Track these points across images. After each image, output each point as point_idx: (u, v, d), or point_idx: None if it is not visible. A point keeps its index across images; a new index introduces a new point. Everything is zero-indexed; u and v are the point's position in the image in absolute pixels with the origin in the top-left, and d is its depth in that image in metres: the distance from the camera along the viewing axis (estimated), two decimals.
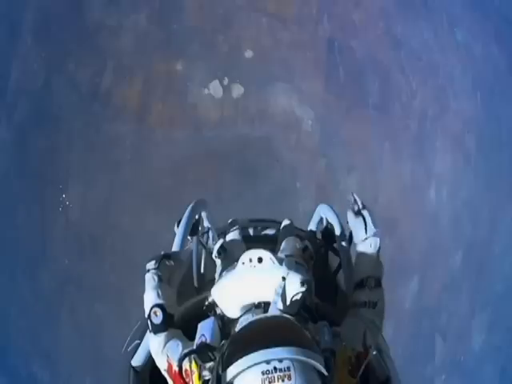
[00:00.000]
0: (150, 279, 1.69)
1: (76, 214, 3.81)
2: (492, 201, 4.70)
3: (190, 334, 1.48)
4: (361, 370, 1.46)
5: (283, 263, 1.64)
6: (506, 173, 4.77)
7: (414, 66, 4.72)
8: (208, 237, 2.40)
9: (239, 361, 1.20)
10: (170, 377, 1.51)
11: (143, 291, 1.68)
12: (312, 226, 2.40)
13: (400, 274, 4.28)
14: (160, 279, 1.69)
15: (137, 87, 4.05)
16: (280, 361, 1.18)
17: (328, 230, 2.14)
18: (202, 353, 1.40)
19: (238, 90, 4.18)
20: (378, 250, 1.86)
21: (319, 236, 2.25)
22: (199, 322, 1.55)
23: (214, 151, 4.04)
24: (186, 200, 2.12)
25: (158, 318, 1.60)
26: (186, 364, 1.43)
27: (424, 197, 4.55)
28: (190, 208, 2.04)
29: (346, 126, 4.39)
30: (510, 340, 4.53)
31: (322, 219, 2.28)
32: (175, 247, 1.89)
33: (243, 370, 1.19)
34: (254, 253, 1.70)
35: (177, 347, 1.54)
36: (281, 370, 1.17)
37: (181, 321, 1.73)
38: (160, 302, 1.63)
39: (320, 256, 2.13)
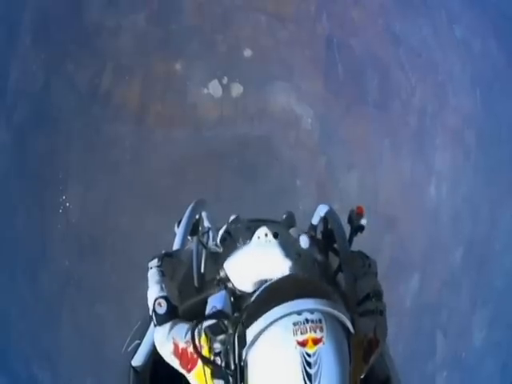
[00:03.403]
0: (153, 275, 1.69)
1: (76, 215, 3.81)
2: (492, 197, 4.71)
3: None
4: (373, 357, 1.44)
5: (299, 238, 1.64)
6: (505, 169, 4.78)
7: (413, 62, 4.72)
8: (208, 237, 2.40)
9: (266, 314, 1.17)
10: (177, 357, 1.47)
11: (144, 291, 1.68)
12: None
13: (400, 271, 4.29)
14: (163, 274, 1.69)
15: (136, 87, 4.05)
16: (311, 312, 1.16)
17: (328, 231, 2.14)
18: (215, 320, 1.35)
19: (237, 89, 4.18)
20: (376, 274, 1.83)
21: (319, 236, 2.26)
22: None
23: (214, 150, 4.04)
24: (186, 200, 2.12)
25: (162, 308, 1.58)
26: (195, 338, 1.39)
27: (424, 193, 4.56)
28: (190, 208, 2.05)
29: (345, 124, 4.39)
30: (510, 336, 4.54)
31: (322, 219, 2.29)
32: (176, 247, 1.89)
33: (271, 323, 1.16)
34: (271, 227, 1.70)
35: (183, 328, 1.50)
36: (313, 322, 1.14)
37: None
38: (164, 294, 1.62)
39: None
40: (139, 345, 1.79)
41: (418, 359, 4.24)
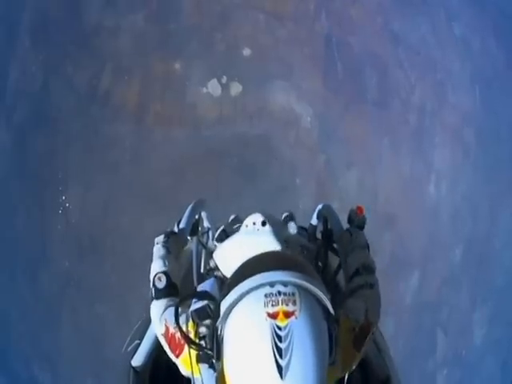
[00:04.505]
0: (159, 250, 1.71)
1: (76, 216, 3.82)
2: (492, 195, 4.71)
3: None
4: (365, 344, 1.41)
5: (286, 226, 1.63)
6: (505, 167, 4.78)
7: (413, 61, 4.72)
8: (208, 237, 2.41)
9: (240, 284, 1.15)
10: (166, 341, 1.47)
11: (144, 292, 1.69)
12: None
13: (400, 269, 4.30)
14: (168, 251, 1.70)
15: (135, 87, 4.05)
16: (285, 285, 1.13)
17: (328, 231, 2.14)
18: (201, 304, 1.33)
19: (236, 89, 4.18)
20: (368, 247, 1.82)
21: (319, 236, 2.26)
22: None
23: (213, 150, 4.04)
24: (186, 200, 2.12)
25: (161, 282, 1.59)
26: (182, 324, 1.38)
27: (423, 192, 4.56)
28: (189, 208, 2.05)
29: (344, 122, 4.39)
30: (510, 334, 4.55)
31: (321, 219, 2.28)
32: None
33: (244, 294, 1.14)
34: (258, 216, 1.70)
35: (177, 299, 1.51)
36: (285, 294, 1.11)
37: None
38: (165, 269, 1.63)
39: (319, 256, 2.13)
40: (139, 345, 1.80)
41: (418, 357, 4.24)
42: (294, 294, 1.12)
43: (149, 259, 1.73)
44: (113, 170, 3.89)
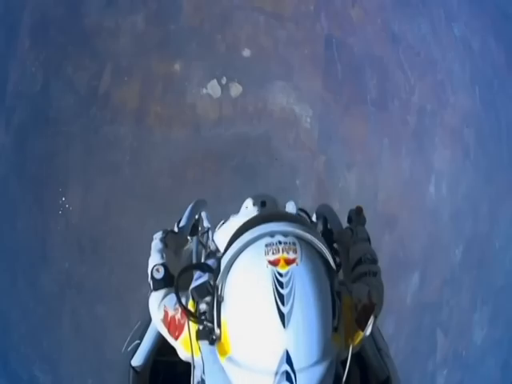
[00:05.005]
0: (156, 244, 1.70)
1: (76, 217, 3.82)
2: (492, 195, 4.72)
3: None
4: (368, 325, 1.38)
5: (286, 205, 1.62)
6: (505, 167, 4.79)
7: (413, 61, 4.73)
8: (208, 237, 2.41)
9: (239, 238, 1.15)
10: (165, 324, 1.46)
11: (144, 292, 1.69)
12: None
13: (401, 269, 4.30)
14: (166, 245, 1.70)
15: (135, 88, 4.05)
16: (285, 235, 1.13)
17: (328, 230, 2.14)
18: (201, 282, 1.30)
19: (236, 89, 4.18)
20: (369, 239, 1.82)
21: None
22: None
23: (213, 150, 4.05)
24: (186, 200, 2.13)
25: (159, 273, 1.58)
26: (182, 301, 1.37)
27: (424, 192, 4.56)
28: (189, 208, 2.05)
29: (344, 123, 4.40)
30: (511, 334, 4.55)
31: (321, 219, 2.28)
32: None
33: (244, 246, 1.14)
34: (258, 197, 1.69)
35: (174, 298, 1.45)
36: (286, 243, 1.11)
37: None
38: (163, 261, 1.62)
39: None
40: (139, 345, 1.79)
41: (418, 357, 4.24)
42: (294, 244, 1.11)
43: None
44: (113, 171, 3.89)
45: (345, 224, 2.00)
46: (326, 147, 4.31)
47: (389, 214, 4.31)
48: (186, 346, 1.38)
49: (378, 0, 4.81)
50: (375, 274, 1.61)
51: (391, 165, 4.47)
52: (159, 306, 1.50)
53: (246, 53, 4.26)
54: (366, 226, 1.96)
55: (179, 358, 1.47)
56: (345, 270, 1.92)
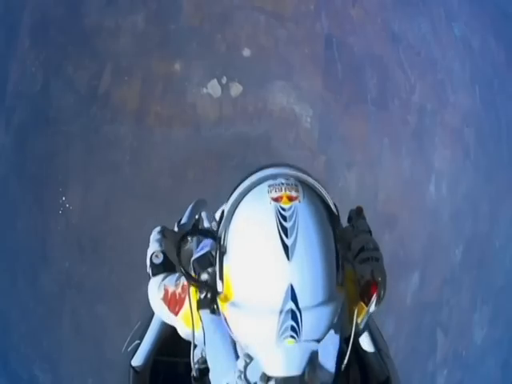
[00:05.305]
0: (155, 235, 1.72)
1: (76, 216, 3.82)
2: (492, 194, 4.71)
3: None
4: (372, 301, 1.37)
5: None
6: (505, 166, 4.79)
7: (413, 61, 4.72)
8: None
9: (241, 184, 1.18)
10: (166, 302, 1.46)
11: (144, 292, 1.68)
12: None
13: (401, 269, 4.29)
14: (164, 236, 1.71)
15: (135, 88, 4.05)
16: (287, 178, 1.15)
17: None
18: (203, 252, 1.36)
19: (236, 89, 4.18)
20: (370, 232, 1.81)
21: None
22: None
23: (214, 150, 4.05)
24: (186, 200, 2.13)
25: (159, 259, 1.59)
26: (182, 281, 1.41)
27: (424, 192, 4.56)
28: (190, 207, 2.05)
29: (344, 123, 4.39)
30: (511, 334, 4.55)
31: None
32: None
33: (247, 190, 1.16)
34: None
35: (174, 276, 1.51)
36: (288, 184, 1.12)
37: None
38: (162, 249, 1.64)
39: None
40: (139, 345, 1.80)
41: (418, 357, 4.24)
42: (296, 185, 1.13)
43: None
44: (113, 171, 3.89)
45: (345, 224, 1.99)
46: (326, 147, 4.31)
47: (389, 214, 4.31)
48: (186, 321, 1.38)
49: None
50: (377, 259, 1.60)
51: (391, 164, 4.47)
52: (159, 286, 1.50)
53: (246, 52, 4.26)
54: None
55: (179, 358, 1.47)
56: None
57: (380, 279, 1.43)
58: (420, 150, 4.60)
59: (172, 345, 1.79)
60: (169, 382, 1.82)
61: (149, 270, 1.62)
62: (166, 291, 1.46)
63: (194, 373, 1.38)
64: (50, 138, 3.87)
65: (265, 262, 1.06)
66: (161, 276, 1.55)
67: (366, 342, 1.77)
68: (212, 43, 4.24)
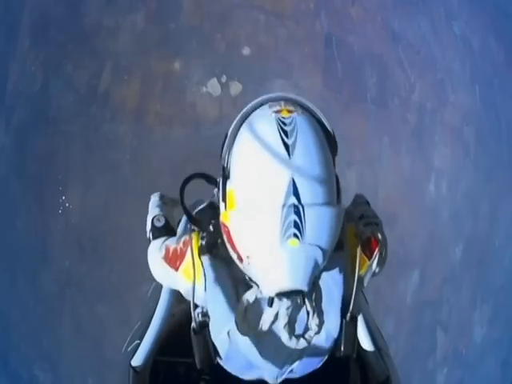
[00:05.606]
0: (154, 201, 1.82)
1: (76, 216, 3.82)
2: (492, 193, 4.71)
3: (190, 335, 1.46)
4: (374, 257, 1.42)
5: None
6: (505, 165, 4.79)
7: (412, 59, 4.72)
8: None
9: (243, 110, 1.26)
10: (166, 260, 1.46)
11: (144, 291, 1.68)
12: None
13: (400, 267, 4.29)
14: (164, 202, 1.80)
15: (135, 87, 4.05)
16: (286, 100, 1.25)
17: None
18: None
19: (236, 88, 4.18)
20: (368, 203, 1.81)
21: None
22: None
23: (213, 149, 4.02)
24: (186, 200, 2.12)
25: (160, 222, 1.67)
26: (185, 236, 1.43)
27: (424, 190, 4.55)
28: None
29: (344, 121, 4.38)
30: (511, 333, 4.55)
31: None
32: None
33: (249, 113, 1.25)
34: None
35: (175, 237, 1.54)
36: (287, 104, 1.22)
37: (180, 321, 1.74)
38: (163, 213, 1.71)
39: None
40: (139, 345, 1.79)
41: (418, 356, 4.24)
42: (295, 106, 1.23)
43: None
44: (113, 170, 3.89)
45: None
46: None
47: (389, 213, 4.29)
48: (186, 274, 1.39)
49: None
50: (377, 224, 1.59)
51: (391, 163, 4.46)
52: (160, 247, 1.51)
53: (246, 51, 4.26)
54: None
55: (179, 357, 1.47)
56: None
57: (381, 239, 1.46)
58: (420, 149, 4.60)
59: (172, 345, 1.79)
60: (169, 382, 1.82)
61: (149, 235, 1.67)
62: (167, 250, 1.47)
63: (194, 325, 1.37)
64: (49, 138, 3.86)
65: (266, 160, 1.11)
66: (162, 238, 1.57)
67: (365, 342, 1.76)
68: (212, 42, 4.24)
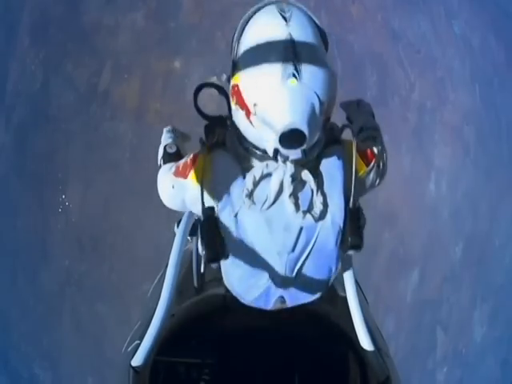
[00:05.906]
0: (166, 133, 1.96)
1: (76, 214, 3.82)
2: (492, 192, 4.70)
3: (190, 335, 1.46)
4: (372, 167, 1.51)
5: None
6: (505, 164, 4.78)
7: (413, 59, 4.71)
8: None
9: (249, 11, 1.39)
10: (176, 174, 1.56)
11: (144, 291, 1.68)
12: None
13: (401, 266, 4.30)
14: (176, 136, 1.94)
15: (135, 85, 4.05)
16: (287, 3, 1.34)
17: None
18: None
19: None
20: (373, 115, 1.83)
21: None
22: (199, 321, 1.55)
23: None
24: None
25: (172, 149, 1.82)
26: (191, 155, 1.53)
27: (424, 189, 4.55)
28: None
29: (344, 120, 4.37)
30: (511, 332, 4.55)
31: None
32: (175, 247, 1.88)
33: (254, 11, 1.39)
34: None
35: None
36: (288, 5, 1.33)
37: (180, 321, 1.74)
38: (175, 142, 1.86)
39: None
40: (139, 345, 1.79)
41: (418, 355, 4.24)
42: (292, 5, 1.34)
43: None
44: (113, 168, 3.88)
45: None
46: None
47: (389, 212, 4.30)
48: (196, 177, 1.47)
49: None
50: (375, 139, 1.61)
51: (391, 162, 4.40)
52: (171, 167, 1.61)
53: None
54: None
55: (179, 357, 1.47)
56: None
57: (377, 152, 1.54)
58: (420, 148, 4.60)
59: (172, 345, 1.79)
60: (169, 382, 1.81)
61: (160, 162, 1.82)
62: (177, 166, 1.57)
63: (202, 218, 1.46)
64: (49, 136, 3.87)
65: (267, 25, 1.31)
66: (172, 162, 1.66)
67: (365, 342, 1.76)
68: (212, 40, 4.23)
